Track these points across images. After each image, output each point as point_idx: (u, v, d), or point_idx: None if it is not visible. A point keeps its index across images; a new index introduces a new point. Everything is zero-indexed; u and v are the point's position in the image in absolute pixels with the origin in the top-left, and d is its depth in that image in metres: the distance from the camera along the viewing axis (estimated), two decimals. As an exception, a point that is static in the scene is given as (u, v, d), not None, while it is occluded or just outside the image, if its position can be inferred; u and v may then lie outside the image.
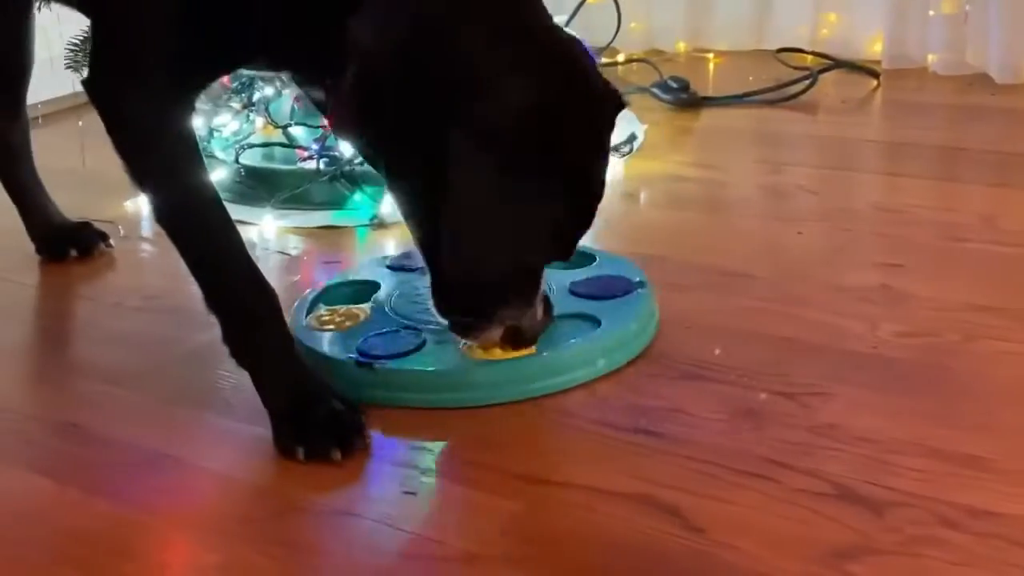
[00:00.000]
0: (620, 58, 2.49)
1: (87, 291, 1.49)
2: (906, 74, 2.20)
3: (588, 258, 1.34)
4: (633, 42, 2.53)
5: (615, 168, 1.77)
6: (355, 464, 1.03)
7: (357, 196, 1.66)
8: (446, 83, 0.96)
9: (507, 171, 0.96)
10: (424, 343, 1.17)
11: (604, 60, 2.43)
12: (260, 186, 1.70)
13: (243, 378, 1.08)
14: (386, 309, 1.26)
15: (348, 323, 1.24)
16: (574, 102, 1.00)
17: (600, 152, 1.04)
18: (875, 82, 2.17)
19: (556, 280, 1.24)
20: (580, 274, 1.29)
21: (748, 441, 1.00)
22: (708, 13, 2.51)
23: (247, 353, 1.07)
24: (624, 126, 1.91)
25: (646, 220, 1.62)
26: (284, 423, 1.05)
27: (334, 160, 1.70)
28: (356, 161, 1.68)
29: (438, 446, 1.04)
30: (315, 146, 1.71)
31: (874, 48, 2.29)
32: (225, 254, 1.07)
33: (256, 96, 1.81)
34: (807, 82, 2.09)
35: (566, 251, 1.07)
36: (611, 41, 2.44)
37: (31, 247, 1.55)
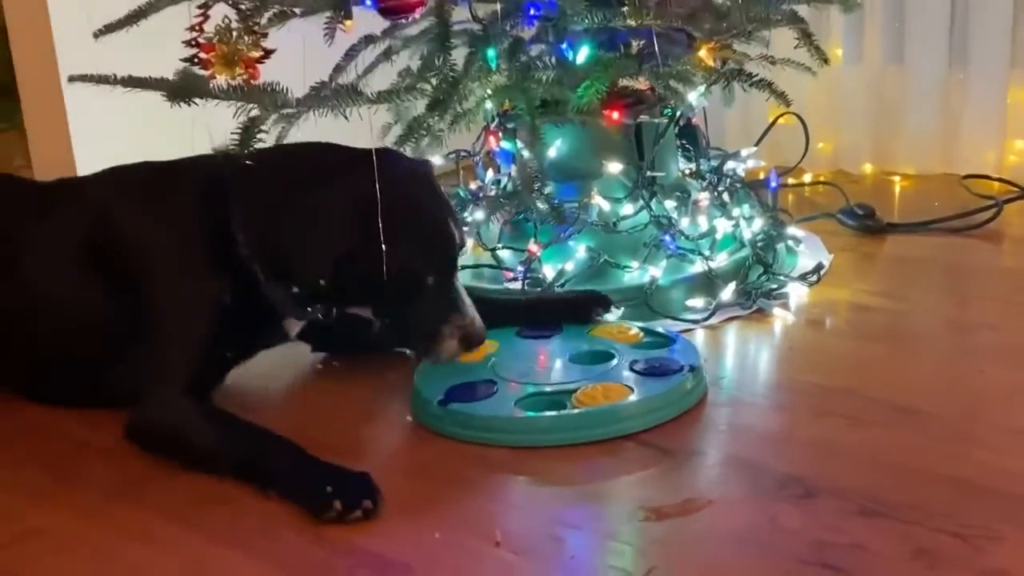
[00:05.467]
0: (807, 178, 2.58)
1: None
2: (1096, 205, 2.23)
3: (668, 342, 1.62)
4: (820, 163, 2.63)
5: (801, 295, 1.87)
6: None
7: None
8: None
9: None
10: (493, 394, 1.47)
11: (791, 181, 2.54)
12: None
13: (494, 506, 1.27)
14: (487, 365, 1.56)
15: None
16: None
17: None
18: (1063, 212, 2.22)
19: (627, 355, 1.56)
20: (651, 354, 1.56)
21: (924, 580, 1.09)
22: (895, 136, 2.59)
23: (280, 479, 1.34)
24: (812, 255, 2.02)
25: (829, 349, 1.70)
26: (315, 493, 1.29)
27: (537, 282, 1.85)
28: (559, 284, 1.84)
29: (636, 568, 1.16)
30: (520, 268, 1.87)
31: (1063, 176, 2.34)
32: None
33: (468, 219, 1.99)
34: (993, 211, 2.15)
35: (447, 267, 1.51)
36: (799, 162, 2.54)
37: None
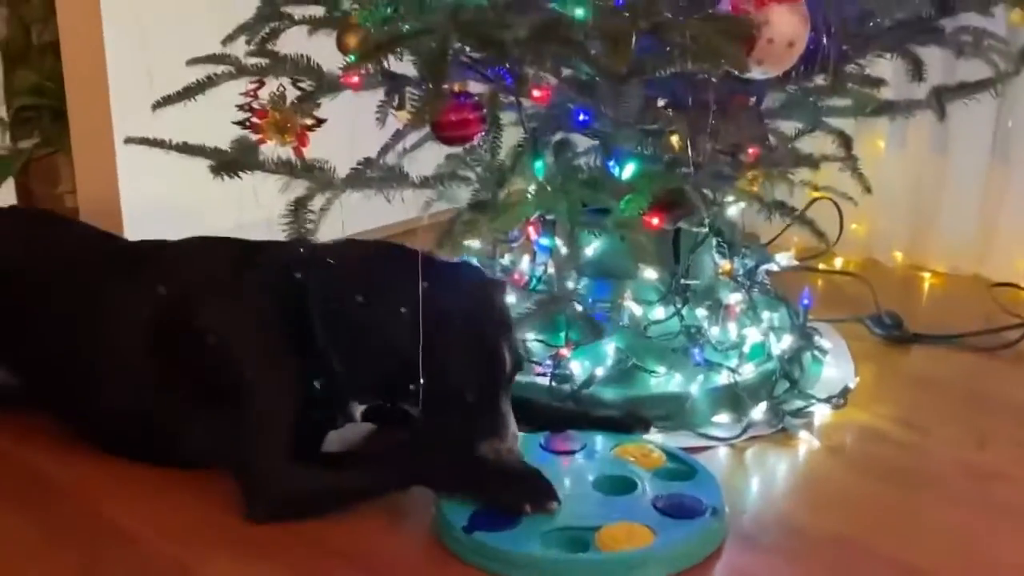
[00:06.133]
0: (838, 262, 2.61)
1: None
2: None
3: (690, 472, 1.64)
4: (852, 245, 2.63)
5: (824, 414, 1.90)
6: None
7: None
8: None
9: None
10: (517, 524, 1.49)
11: (822, 266, 2.57)
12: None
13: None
14: None
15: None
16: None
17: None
18: (1091, 337, 2.23)
19: (651, 488, 1.58)
20: (672, 487, 1.59)
21: None
22: (930, 228, 2.60)
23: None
24: (837, 366, 2.05)
25: (840, 485, 1.72)
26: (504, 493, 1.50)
27: (565, 379, 1.89)
28: (587, 387, 1.87)
29: None
30: (549, 362, 1.90)
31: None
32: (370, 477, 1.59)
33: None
34: (1021, 331, 2.17)
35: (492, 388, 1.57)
36: (833, 244, 2.53)
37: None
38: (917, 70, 1.75)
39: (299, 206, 1.73)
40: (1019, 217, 2.46)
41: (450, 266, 1.68)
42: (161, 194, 2.39)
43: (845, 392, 1.94)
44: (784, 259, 2.16)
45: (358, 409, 1.71)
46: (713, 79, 1.48)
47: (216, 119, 1.74)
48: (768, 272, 2.15)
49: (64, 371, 1.73)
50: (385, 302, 1.56)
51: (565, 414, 1.80)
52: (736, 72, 1.45)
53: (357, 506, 1.58)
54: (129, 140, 1.86)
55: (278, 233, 1.72)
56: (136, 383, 1.66)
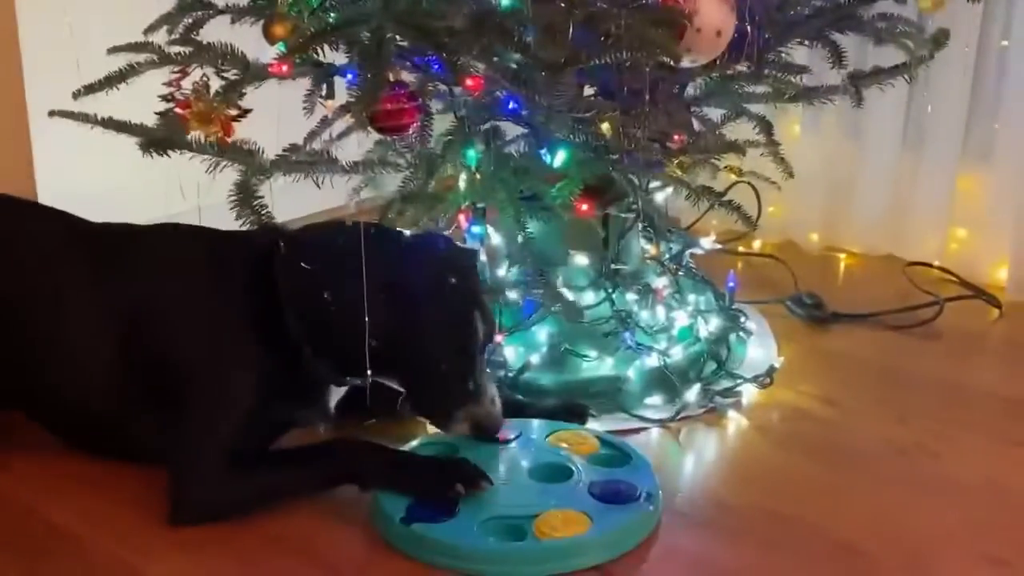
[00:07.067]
0: (756, 244, 2.66)
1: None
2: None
3: (624, 457, 1.66)
4: (770, 227, 2.68)
5: (752, 396, 1.95)
6: None
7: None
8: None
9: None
10: (455, 514, 1.50)
11: (741, 248, 2.62)
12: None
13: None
14: None
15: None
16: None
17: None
18: (997, 313, 2.31)
19: (586, 475, 1.60)
20: (607, 473, 1.61)
21: None
22: (845, 211, 2.65)
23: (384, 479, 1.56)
24: (763, 355, 2.09)
25: (769, 462, 1.77)
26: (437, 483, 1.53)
27: (500, 365, 1.90)
28: (521, 373, 1.89)
29: None
30: (482, 349, 1.92)
31: (998, 273, 2.44)
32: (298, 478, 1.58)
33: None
34: (935, 308, 2.25)
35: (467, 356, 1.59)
36: (749, 231, 2.59)
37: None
38: (837, 57, 1.80)
39: (242, 191, 1.72)
40: (931, 197, 2.53)
41: (422, 238, 1.68)
42: (81, 180, 2.35)
43: (771, 371, 1.99)
44: (706, 243, 2.19)
45: (333, 399, 1.69)
46: (647, 68, 1.50)
47: (145, 111, 1.72)
48: (693, 256, 2.18)
49: (23, 360, 1.66)
50: (359, 279, 1.52)
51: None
52: (669, 61, 1.47)
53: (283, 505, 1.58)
54: (53, 113, 1.81)
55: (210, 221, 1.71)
56: (97, 378, 1.62)
